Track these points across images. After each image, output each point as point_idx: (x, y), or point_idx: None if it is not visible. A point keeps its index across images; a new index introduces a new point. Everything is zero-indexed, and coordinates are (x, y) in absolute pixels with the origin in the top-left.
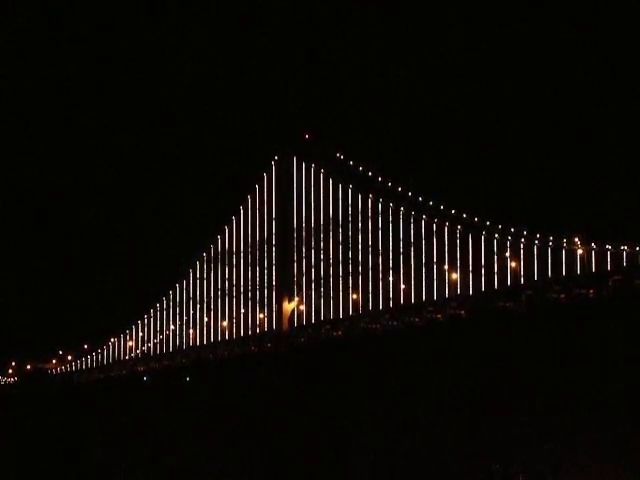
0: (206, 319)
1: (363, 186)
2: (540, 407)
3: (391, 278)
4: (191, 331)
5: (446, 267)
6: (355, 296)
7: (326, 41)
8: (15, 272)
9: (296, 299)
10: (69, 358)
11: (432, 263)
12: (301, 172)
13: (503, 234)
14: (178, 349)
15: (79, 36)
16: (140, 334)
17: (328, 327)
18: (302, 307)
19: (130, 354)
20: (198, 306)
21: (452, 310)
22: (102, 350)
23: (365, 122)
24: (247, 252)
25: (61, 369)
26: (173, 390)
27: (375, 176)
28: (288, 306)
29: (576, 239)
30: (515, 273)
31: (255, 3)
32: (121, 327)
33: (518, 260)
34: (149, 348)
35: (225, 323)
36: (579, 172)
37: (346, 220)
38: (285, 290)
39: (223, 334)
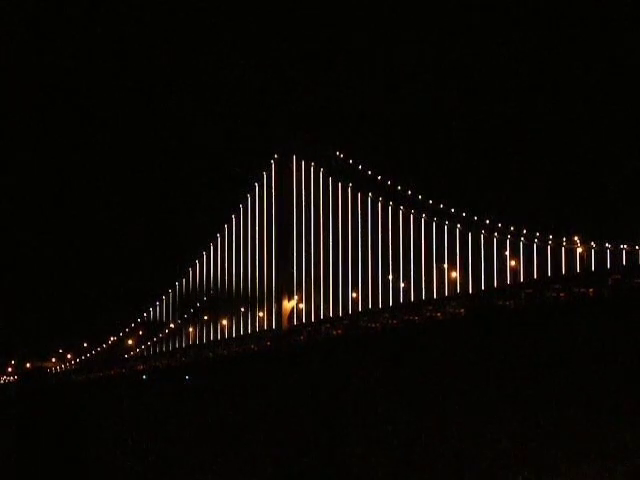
0: (206, 317)
1: (363, 185)
2: (539, 406)
3: (391, 277)
4: (191, 329)
5: (445, 266)
6: (355, 295)
7: (325, 40)
8: (15, 271)
9: (295, 297)
10: (69, 357)
11: (432, 262)
12: (301, 171)
13: (503, 233)
14: (178, 347)
15: (77, 32)
16: (140, 332)
17: (328, 325)
18: (302, 305)
19: (130, 352)
20: (198, 304)
21: (452, 309)
22: (102, 348)
23: (365, 121)
24: (247, 250)
25: (61, 367)
26: (173, 389)
27: (375, 175)
28: (288, 304)
29: (576, 238)
30: (514, 272)
31: (255, 3)
32: (121, 326)
33: (518, 259)
34: (149, 346)
35: (225, 321)
36: (579, 171)
37: (346, 219)
38: (285, 288)
39: (222, 332)
